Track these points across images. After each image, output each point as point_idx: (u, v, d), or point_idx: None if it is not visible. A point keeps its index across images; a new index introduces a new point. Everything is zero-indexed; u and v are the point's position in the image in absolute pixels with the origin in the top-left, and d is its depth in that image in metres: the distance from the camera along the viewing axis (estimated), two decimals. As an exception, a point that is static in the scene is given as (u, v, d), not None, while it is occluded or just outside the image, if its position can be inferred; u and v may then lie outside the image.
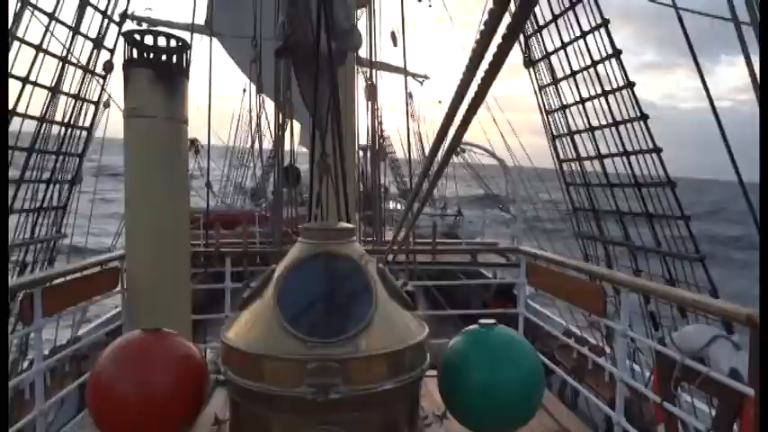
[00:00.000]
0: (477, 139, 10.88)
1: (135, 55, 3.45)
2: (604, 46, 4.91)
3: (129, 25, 6.50)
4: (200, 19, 10.44)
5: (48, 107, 4.99)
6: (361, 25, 8.56)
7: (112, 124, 5.99)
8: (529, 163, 8.88)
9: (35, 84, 4.74)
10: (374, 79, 9.56)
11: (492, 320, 2.03)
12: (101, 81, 5.52)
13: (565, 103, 5.59)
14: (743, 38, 3.05)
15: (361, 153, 11.96)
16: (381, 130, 13.09)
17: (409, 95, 15.28)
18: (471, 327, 2.06)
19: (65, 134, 5.23)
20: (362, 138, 9.55)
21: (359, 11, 10.21)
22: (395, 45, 13.67)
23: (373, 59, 9.05)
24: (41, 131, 4.96)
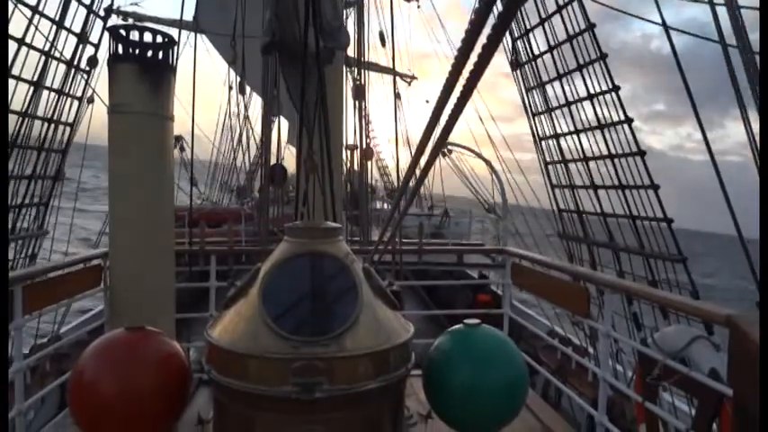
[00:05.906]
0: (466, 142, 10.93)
1: (120, 50, 3.40)
2: (589, 51, 4.96)
3: (114, 20, 6.43)
4: (189, 15, 10.39)
5: (30, 102, 4.91)
6: (350, 25, 8.56)
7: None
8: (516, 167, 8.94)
9: (18, 78, 4.67)
10: (362, 79, 9.56)
11: (476, 320, 2.04)
12: (85, 76, 5.45)
13: (551, 106, 5.64)
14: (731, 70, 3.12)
15: (348, 152, 11.97)
16: (369, 130, 13.10)
17: (397, 96, 15.28)
18: (456, 326, 2.06)
19: (47, 130, 5.16)
20: (350, 138, 9.56)
21: (348, 10, 10.20)
22: (383, 45, 13.72)
23: (361, 59, 9.04)
24: (23, 126, 4.89)
